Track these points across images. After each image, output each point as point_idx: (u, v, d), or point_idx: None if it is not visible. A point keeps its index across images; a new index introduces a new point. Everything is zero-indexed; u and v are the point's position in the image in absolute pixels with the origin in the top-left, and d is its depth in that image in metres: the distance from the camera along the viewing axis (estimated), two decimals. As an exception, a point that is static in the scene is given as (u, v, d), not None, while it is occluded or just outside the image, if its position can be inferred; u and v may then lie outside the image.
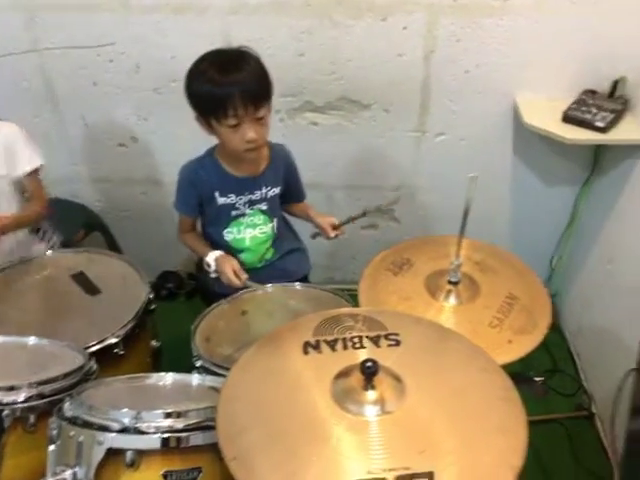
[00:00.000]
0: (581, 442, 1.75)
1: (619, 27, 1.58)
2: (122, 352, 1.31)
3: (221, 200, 1.40)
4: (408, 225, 2.07)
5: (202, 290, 1.80)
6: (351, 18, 1.62)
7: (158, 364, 1.52)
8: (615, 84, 1.65)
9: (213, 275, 1.40)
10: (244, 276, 1.37)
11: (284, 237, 1.56)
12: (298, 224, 1.64)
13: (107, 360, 1.27)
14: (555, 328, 2.14)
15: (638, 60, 1.60)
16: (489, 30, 1.63)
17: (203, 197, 1.40)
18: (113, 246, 2.01)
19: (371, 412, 0.81)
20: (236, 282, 1.36)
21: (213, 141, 1.41)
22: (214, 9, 1.61)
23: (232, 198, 1.40)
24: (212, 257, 1.39)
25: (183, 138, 1.81)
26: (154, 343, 1.52)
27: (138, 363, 1.41)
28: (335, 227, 1.46)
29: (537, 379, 1.92)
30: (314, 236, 1.55)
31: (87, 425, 0.85)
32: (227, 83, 1.18)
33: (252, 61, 1.24)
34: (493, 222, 2.02)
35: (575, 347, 2.04)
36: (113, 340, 1.29)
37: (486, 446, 0.76)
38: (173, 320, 1.55)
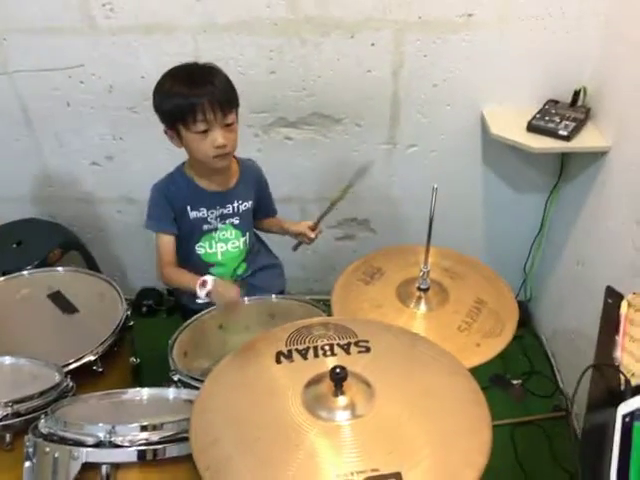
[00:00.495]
0: (559, 442, 1.79)
1: (578, 39, 1.65)
2: (100, 369, 1.32)
3: (192, 214, 1.41)
4: (384, 235, 2.11)
5: (181, 306, 1.81)
6: (320, 36, 1.66)
7: (138, 381, 1.52)
8: (576, 94, 1.71)
9: (203, 300, 1.28)
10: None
11: (257, 253, 1.57)
12: (273, 240, 1.67)
13: (86, 378, 1.28)
14: (531, 332, 2.19)
15: (597, 71, 1.67)
16: (454, 45, 1.69)
17: (176, 212, 1.40)
18: (91, 265, 2.01)
19: (342, 417, 0.83)
20: (233, 307, 1.30)
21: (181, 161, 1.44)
22: (183, 29, 1.64)
23: (203, 212, 1.41)
24: (211, 279, 1.26)
25: (158, 156, 1.84)
26: (133, 360, 1.53)
27: (117, 380, 1.41)
28: (312, 228, 1.48)
29: (515, 382, 1.95)
30: (295, 247, 1.56)
31: (62, 441, 0.86)
32: (196, 90, 1.22)
33: (218, 73, 1.29)
34: (466, 230, 2.07)
35: (551, 349, 2.08)
36: (91, 358, 1.30)
37: (452, 446, 0.78)
38: (153, 336, 1.55)
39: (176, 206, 1.40)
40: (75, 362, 1.27)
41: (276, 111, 1.81)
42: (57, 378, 1.10)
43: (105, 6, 1.61)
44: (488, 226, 2.08)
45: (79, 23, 1.64)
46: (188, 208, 1.40)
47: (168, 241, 1.40)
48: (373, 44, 1.68)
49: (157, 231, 1.40)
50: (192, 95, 1.21)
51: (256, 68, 1.71)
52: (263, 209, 1.56)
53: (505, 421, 1.84)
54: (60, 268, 1.61)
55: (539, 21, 1.62)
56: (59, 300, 1.46)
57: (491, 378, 1.96)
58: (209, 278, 1.25)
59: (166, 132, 1.32)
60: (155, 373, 1.35)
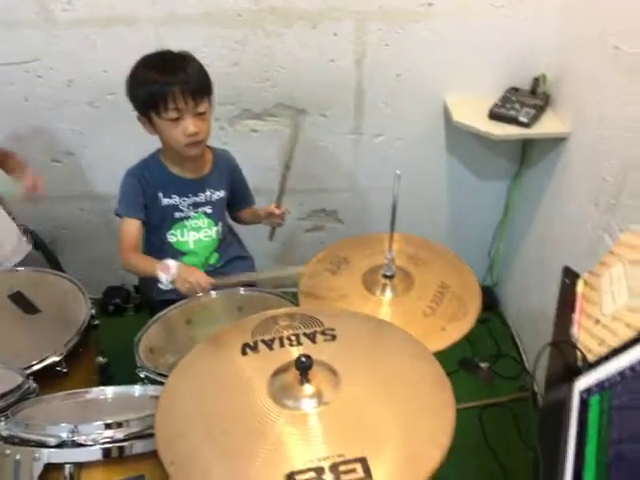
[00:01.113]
0: (525, 422, 1.83)
1: (537, 27, 1.67)
2: (65, 370, 1.29)
3: (165, 201, 1.40)
4: (352, 225, 2.12)
5: (149, 302, 1.79)
6: (282, 27, 1.65)
7: (105, 380, 1.50)
8: (536, 81, 1.74)
9: (166, 286, 1.28)
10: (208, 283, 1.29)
11: (229, 244, 1.57)
12: (244, 233, 1.66)
13: (50, 379, 1.25)
14: (497, 315, 2.23)
15: (555, 58, 1.70)
16: (416, 35, 1.70)
17: (147, 198, 1.39)
18: (55, 264, 1.97)
19: (308, 405, 0.84)
20: (200, 292, 1.29)
21: (151, 152, 1.42)
22: (143, 21, 1.61)
23: (175, 199, 1.41)
24: (174, 263, 1.26)
25: (120, 151, 1.81)
26: (100, 359, 1.50)
27: (83, 380, 1.38)
28: (277, 205, 1.50)
29: (483, 365, 2.00)
30: (271, 235, 1.58)
31: (24, 443, 0.84)
32: (169, 77, 1.22)
33: (191, 60, 1.29)
34: (433, 217, 2.09)
35: (516, 331, 2.13)
36: (55, 358, 1.27)
37: (417, 428, 0.80)
38: (122, 335, 1.52)
39: (148, 192, 1.39)
40: (38, 363, 1.24)
41: (241, 103, 1.80)
42: (18, 380, 1.07)
43: (62, -2, 1.57)
44: (453, 213, 2.11)
45: (35, 16, 1.60)
46: (160, 194, 1.40)
47: (133, 226, 1.38)
48: (335, 34, 1.68)
49: (124, 215, 1.38)
50: (164, 82, 1.21)
51: (220, 60, 1.69)
52: (241, 199, 1.57)
53: (473, 403, 1.87)
54: (21, 268, 1.57)
55: (498, 9, 1.64)
56: (20, 301, 1.42)
57: (460, 362, 2.00)
58: (173, 263, 1.24)
59: (139, 119, 1.32)
60: (124, 372, 1.32)
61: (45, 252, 1.96)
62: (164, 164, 1.40)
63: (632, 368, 0.69)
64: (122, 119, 1.71)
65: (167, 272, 1.23)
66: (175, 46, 1.59)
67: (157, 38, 1.64)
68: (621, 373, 0.70)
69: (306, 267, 1.26)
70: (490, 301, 2.25)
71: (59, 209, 2.00)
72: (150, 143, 1.39)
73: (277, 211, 1.50)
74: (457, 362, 1.99)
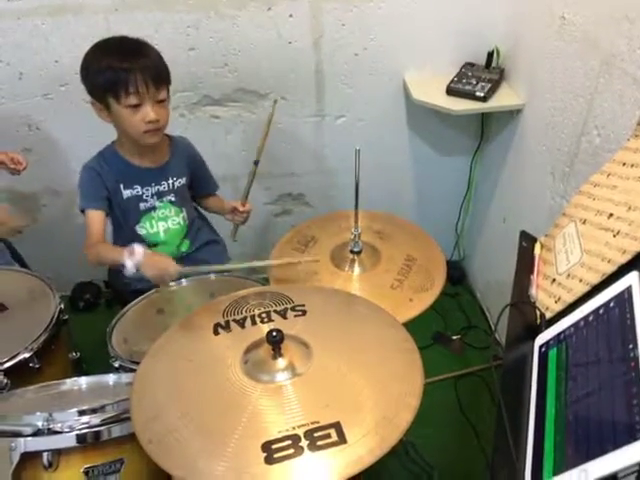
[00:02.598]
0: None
1: (488, 2, 1.71)
2: (37, 366, 1.28)
3: (126, 192, 1.39)
4: (320, 207, 2.14)
5: (120, 296, 1.77)
6: (236, 9, 1.64)
7: (79, 375, 1.48)
8: (490, 55, 1.78)
9: (132, 272, 1.23)
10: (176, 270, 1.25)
11: (199, 229, 1.57)
12: (213, 219, 1.66)
13: (23, 376, 1.23)
14: (466, 289, 2.29)
15: (507, 31, 1.74)
16: (371, 13, 1.71)
17: (109, 190, 1.37)
18: (20, 263, 1.93)
19: (282, 377, 0.86)
20: (168, 279, 1.27)
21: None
22: (92, 8, 1.58)
23: (138, 189, 1.39)
24: (141, 249, 1.22)
25: (78, 144, 1.78)
26: (73, 354, 1.49)
27: (57, 376, 1.35)
28: (243, 203, 1.51)
29: (455, 337, 2.05)
30: (234, 234, 1.59)
31: (-1, 435, 0.84)
32: (129, 62, 1.20)
33: (150, 47, 1.29)
34: (397, 195, 2.12)
35: (485, 304, 2.19)
36: (25, 355, 1.25)
37: (388, 392, 0.82)
38: (94, 330, 1.51)
39: (109, 185, 1.37)
40: (9, 360, 1.22)
41: (199, 89, 1.78)
42: (-11, 376, 1.06)
43: (6, -12, 1.53)
44: (418, 190, 2.14)
45: (-23, 8, 1.55)
46: (121, 186, 1.38)
47: (96, 218, 1.35)
48: (291, 15, 1.68)
49: (85, 207, 1.35)
50: (125, 68, 1.19)
51: (174, 46, 1.67)
52: (203, 185, 1.56)
53: (448, 375, 1.92)
54: (-17, 268, 1.54)
55: (449, -15, 1.67)
56: (-14, 299, 1.40)
57: (433, 336, 2.06)
58: (139, 248, 1.22)
59: (94, 104, 1.28)
60: (99, 367, 1.31)
61: (9, 250, 1.92)
62: (122, 155, 1.38)
63: (585, 319, 0.73)
64: (76, 110, 1.69)
65: (133, 257, 1.21)
66: (125, 33, 1.57)
67: (107, 26, 1.61)
68: (575, 325, 0.74)
69: (277, 260, 1.25)
70: (459, 275, 2.30)
71: (21, 206, 1.96)
72: (108, 134, 1.37)
73: (241, 208, 1.51)
74: (430, 336, 2.04)
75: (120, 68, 1.19)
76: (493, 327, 2.11)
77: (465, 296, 2.26)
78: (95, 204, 1.36)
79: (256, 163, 1.49)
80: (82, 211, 1.38)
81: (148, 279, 1.25)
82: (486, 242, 2.12)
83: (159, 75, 1.24)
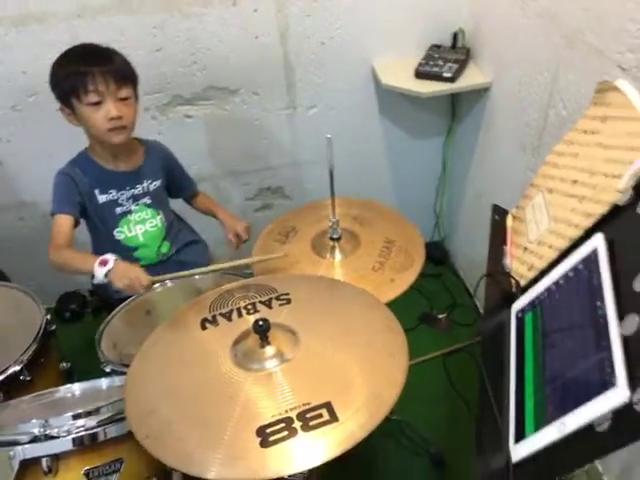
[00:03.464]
0: (486, 362, 1.94)
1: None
2: (28, 378, 1.28)
3: (102, 198, 1.39)
4: (299, 199, 2.15)
5: (106, 304, 1.78)
6: (201, 7, 1.64)
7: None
8: (455, 36, 1.80)
9: (100, 281, 1.20)
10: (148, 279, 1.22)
11: (178, 230, 1.57)
12: (196, 218, 1.66)
13: (15, 389, 1.23)
14: (449, 269, 2.33)
15: (471, 11, 1.76)
16: (335, 3, 1.72)
17: (84, 196, 1.37)
18: (1, 278, 1.92)
19: (271, 364, 0.88)
20: (140, 289, 1.21)
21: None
22: (56, 16, 1.56)
23: (113, 194, 1.40)
24: (112, 257, 1.20)
25: (52, 154, 1.76)
26: (64, 365, 1.49)
27: (48, 387, 1.37)
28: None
29: (441, 316, 2.09)
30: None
31: (-4, 445, 0.84)
32: (90, 65, 1.22)
33: (113, 51, 1.30)
34: (374, 181, 2.15)
35: (469, 281, 2.23)
36: (16, 368, 1.25)
37: (375, 370, 0.85)
38: (83, 339, 1.52)
39: (83, 191, 1.37)
40: (0, 374, 1.23)
41: (169, 90, 1.78)
42: (-19, 390, 1.06)
43: (-35, 0, 1.51)
44: (394, 174, 2.17)
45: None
46: (96, 192, 1.38)
47: (64, 222, 1.32)
48: (256, 10, 1.68)
49: (55, 212, 1.33)
50: (85, 71, 1.22)
51: (140, 47, 1.66)
52: (180, 186, 1.57)
53: (436, 353, 1.96)
54: (-35, 284, 1.52)
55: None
56: (-28, 316, 1.39)
57: (419, 317, 2.09)
58: (111, 257, 1.20)
59: (62, 110, 1.30)
60: (90, 375, 1.31)
61: None
62: (95, 160, 1.38)
63: (556, 283, 0.76)
64: (47, 120, 1.67)
65: (103, 266, 1.18)
66: (91, 39, 1.56)
67: (72, 33, 1.60)
68: (548, 289, 0.77)
69: (256, 258, 1.26)
70: (441, 256, 2.34)
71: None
72: (81, 142, 1.37)
73: (234, 239, 1.47)
74: (417, 317, 2.07)
75: (82, 71, 1.21)
76: (478, 304, 2.15)
77: (448, 276, 2.29)
78: (65, 208, 1.34)
79: None
80: (52, 215, 1.36)
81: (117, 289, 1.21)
82: (465, 220, 2.16)
83: (120, 73, 1.26)
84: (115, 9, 1.59)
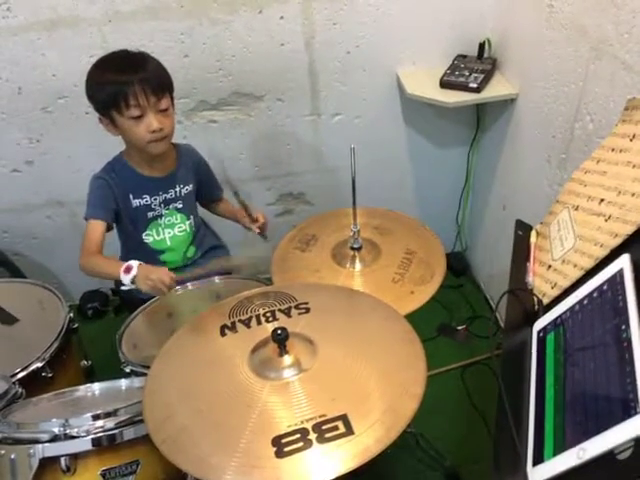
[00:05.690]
0: (505, 376, 1.91)
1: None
2: (50, 375, 1.31)
3: (135, 202, 1.41)
4: (321, 205, 2.15)
5: (128, 302, 1.81)
6: (228, 14, 1.66)
7: (91, 382, 1.51)
8: (481, 46, 1.79)
9: (128, 287, 1.24)
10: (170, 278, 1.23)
11: (204, 235, 1.59)
12: (217, 222, 1.68)
13: (37, 385, 1.26)
14: (470, 279, 2.31)
15: (497, 21, 1.75)
16: (361, 11, 1.72)
17: (118, 200, 1.39)
18: (20, 277, 1.96)
19: (289, 374, 0.88)
20: (164, 289, 1.21)
21: (110, 155, 1.42)
22: (87, 21, 1.60)
23: (146, 199, 1.42)
24: (135, 263, 1.22)
25: (80, 154, 1.81)
26: (84, 363, 1.52)
27: (69, 384, 1.39)
28: (254, 220, 1.49)
29: (459, 328, 2.07)
30: (264, 237, 1.54)
31: (17, 442, 0.86)
32: (127, 75, 1.22)
33: (149, 58, 1.30)
34: (397, 190, 2.14)
35: (489, 293, 2.20)
36: (38, 364, 1.29)
37: (392, 382, 0.85)
38: (104, 338, 1.54)
39: (118, 195, 1.38)
40: (22, 371, 1.25)
41: (196, 95, 1.80)
42: (4, 386, 1.08)
43: (1, 6, 1.55)
44: (417, 183, 2.16)
45: (-27, 26, 1.57)
46: (130, 196, 1.40)
47: (97, 228, 1.34)
48: (282, 17, 1.70)
49: (89, 217, 1.35)
50: (123, 81, 1.21)
51: (168, 53, 1.69)
52: (208, 191, 1.58)
53: (454, 365, 1.94)
54: (-8, 281, 1.57)
55: (438, -21, 1.68)
56: (-2, 313, 1.43)
57: (438, 328, 2.08)
58: (134, 263, 1.22)
59: (101, 120, 1.31)
60: (110, 374, 1.33)
61: (9, 268, 1.95)
62: (131, 166, 1.39)
63: (580, 303, 0.75)
64: (77, 122, 1.72)
65: (128, 272, 1.21)
66: (121, 44, 1.59)
67: (102, 37, 1.63)
68: (571, 309, 0.76)
69: (269, 248, 1.27)
70: (462, 266, 2.32)
71: (26, 219, 1.99)
72: (109, 144, 1.39)
73: (256, 230, 1.48)
74: (436, 329, 2.06)
75: (119, 82, 1.21)
76: (498, 316, 2.13)
77: (469, 287, 2.27)
78: (99, 214, 1.36)
79: (236, 194, 1.44)
80: (86, 219, 1.37)
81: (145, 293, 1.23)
82: (487, 232, 2.14)
83: (159, 85, 1.26)
84: (144, 15, 1.62)
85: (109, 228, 1.39)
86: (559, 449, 0.63)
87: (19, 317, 1.43)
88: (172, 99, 1.33)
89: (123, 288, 1.24)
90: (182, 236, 1.50)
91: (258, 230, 1.50)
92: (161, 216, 1.45)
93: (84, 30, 1.61)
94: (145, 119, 1.25)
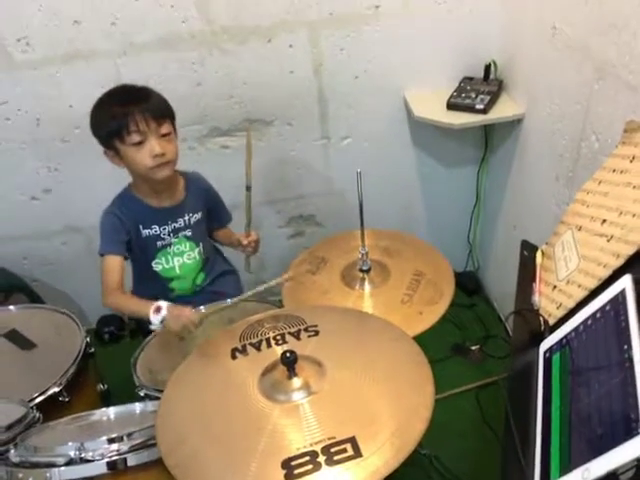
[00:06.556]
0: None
1: (481, 17, 1.75)
2: (67, 399, 1.33)
3: (145, 232, 1.43)
4: (331, 227, 2.18)
5: (142, 326, 1.83)
6: (238, 44, 1.71)
7: (107, 406, 1.53)
8: (487, 68, 1.81)
9: (157, 327, 1.26)
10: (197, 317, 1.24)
11: (213, 261, 1.60)
12: (228, 250, 1.70)
13: (54, 409, 1.28)
14: (483, 299, 2.30)
15: (502, 44, 1.78)
16: (368, 36, 1.77)
17: (130, 233, 1.41)
18: (38, 303, 2.00)
19: (298, 396, 0.89)
20: (193, 329, 1.23)
21: (125, 182, 1.45)
22: (102, 54, 1.66)
23: (156, 229, 1.43)
24: (164, 304, 1.25)
25: (96, 182, 1.86)
26: (101, 387, 1.54)
27: (86, 408, 1.41)
28: (247, 234, 1.51)
29: (473, 347, 2.06)
30: (246, 266, 1.58)
31: (35, 466, 0.88)
32: (129, 106, 1.25)
33: (149, 90, 1.33)
34: (407, 211, 2.16)
35: (502, 312, 2.19)
36: (55, 389, 1.31)
37: (401, 404, 0.85)
38: (120, 362, 1.55)
39: (129, 227, 1.40)
40: (40, 395, 1.28)
41: (208, 122, 1.85)
42: (22, 410, 1.11)
43: (20, 41, 1.62)
44: (427, 204, 2.17)
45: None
46: (140, 227, 1.42)
47: (115, 264, 1.36)
48: (291, 45, 1.74)
49: (104, 252, 1.37)
50: (125, 112, 1.25)
51: (181, 82, 1.74)
52: (217, 217, 1.60)
53: (468, 386, 1.93)
54: (12, 307, 1.61)
55: (441, 5, 1.72)
56: (16, 338, 1.46)
57: (452, 348, 2.07)
58: (163, 304, 1.24)
59: (106, 153, 1.34)
60: (126, 397, 1.34)
61: (26, 293, 1.99)
62: (139, 197, 1.42)
63: (584, 323, 0.75)
64: (93, 150, 1.76)
65: (158, 313, 1.23)
66: (135, 74, 1.65)
67: (116, 69, 1.69)
68: (575, 329, 0.77)
69: (286, 275, 1.29)
70: (474, 286, 2.31)
71: (42, 246, 2.04)
72: (123, 171, 1.42)
73: (245, 241, 1.50)
74: (449, 348, 2.05)
75: (120, 113, 1.25)
76: (510, 333, 2.11)
77: (482, 306, 2.26)
78: (113, 249, 1.37)
79: (248, 189, 1.47)
80: (101, 255, 1.39)
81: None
82: (498, 251, 2.14)
83: (159, 112, 1.29)
84: (157, 46, 1.68)
85: (125, 258, 1.42)
86: (565, 470, 0.63)
87: (37, 342, 1.47)
88: (174, 126, 1.35)
89: (152, 327, 1.26)
90: (191, 264, 1.51)
91: (249, 249, 1.51)
92: (170, 245, 1.46)
93: (99, 62, 1.67)
94: (147, 144, 1.27)
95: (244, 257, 1.59)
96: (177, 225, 1.46)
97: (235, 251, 1.71)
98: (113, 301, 1.35)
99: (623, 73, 1.21)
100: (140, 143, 1.27)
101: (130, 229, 1.41)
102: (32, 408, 1.16)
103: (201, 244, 1.52)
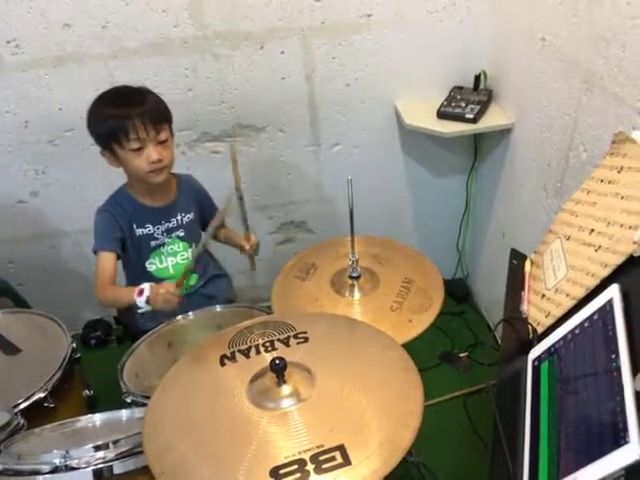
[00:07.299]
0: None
1: (472, 28, 1.77)
2: (52, 405, 1.31)
3: (138, 231, 1.44)
4: (322, 233, 2.18)
5: (131, 333, 1.81)
6: (230, 49, 1.72)
7: (93, 412, 1.51)
8: (477, 78, 1.83)
9: (144, 308, 1.32)
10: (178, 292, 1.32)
11: (206, 263, 1.61)
12: (218, 251, 1.70)
13: (39, 415, 1.26)
14: (471, 306, 2.31)
15: (492, 54, 1.80)
16: (360, 45, 1.78)
17: (124, 231, 1.42)
18: (24, 307, 1.97)
19: (287, 404, 0.89)
20: (174, 299, 1.30)
21: (115, 186, 1.46)
22: (93, 57, 1.65)
23: (149, 228, 1.45)
24: (146, 285, 1.30)
25: (84, 186, 1.85)
26: (87, 392, 1.52)
27: (72, 414, 1.39)
28: (247, 238, 1.52)
29: (461, 355, 2.06)
30: (252, 266, 1.58)
31: (18, 473, 0.87)
32: (127, 109, 1.26)
33: (147, 92, 1.35)
34: (397, 218, 2.17)
35: (491, 319, 2.20)
36: (41, 395, 1.29)
37: (389, 413, 0.85)
38: (106, 367, 1.53)
39: (123, 225, 1.42)
40: (25, 401, 1.26)
41: (198, 127, 1.85)
42: (6, 417, 1.09)
43: (10, 43, 1.60)
44: (417, 212, 2.18)
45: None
46: (134, 226, 1.43)
47: (108, 260, 1.39)
48: (283, 52, 1.75)
49: (98, 249, 1.40)
50: (123, 115, 1.26)
51: (173, 87, 1.74)
52: (210, 217, 1.59)
53: (456, 393, 1.93)
54: (-5, 311, 1.58)
55: (433, 15, 1.74)
56: (0, 342, 1.44)
57: (440, 355, 2.07)
58: (145, 285, 1.29)
59: (102, 153, 1.35)
60: (112, 403, 1.34)
61: (12, 297, 1.97)
62: (133, 197, 1.44)
63: (572, 332, 0.76)
64: (82, 154, 1.76)
65: (142, 295, 1.28)
66: (126, 78, 1.65)
67: (108, 72, 1.68)
68: (564, 338, 0.77)
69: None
70: (463, 293, 2.32)
71: (31, 249, 2.02)
72: (113, 175, 1.43)
73: (247, 246, 1.51)
74: (438, 356, 2.05)
75: (119, 116, 1.26)
76: (498, 341, 2.12)
77: (471, 314, 2.27)
78: (107, 245, 1.40)
79: (241, 198, 1.48)
80: (95, 252, 1.42)
81: (160, 314, 1.30)
82: (488, 259, 2.15)
83: (158, 117, 1.31)
84: (149, 50, 1.68)
85: (118, 257, 1.43)
86: (553, 478, 0.63)
87: (22, 347, 1.44)
88: (171, 130, 1.37)
89: (140, 311, 1.31)
90: (184, 264, 1.52)
91: (251, 252, 1.52)
92: (164, 244, 1.48)
93: (90, 65, 1.66)
94: (145, 151, 1.29)
95: (247, 257, 1.58)
96: (170, 225, 1.48)
97: (227, 257, 1.71)
98: (106, 296, 1.38)
99: (611, 85, 1.23)
100: (138, 149, 1.29)
101: (124, 227, 1.43)
102: (16, 414, 1.14)
103: (194, 245, 1.54)
